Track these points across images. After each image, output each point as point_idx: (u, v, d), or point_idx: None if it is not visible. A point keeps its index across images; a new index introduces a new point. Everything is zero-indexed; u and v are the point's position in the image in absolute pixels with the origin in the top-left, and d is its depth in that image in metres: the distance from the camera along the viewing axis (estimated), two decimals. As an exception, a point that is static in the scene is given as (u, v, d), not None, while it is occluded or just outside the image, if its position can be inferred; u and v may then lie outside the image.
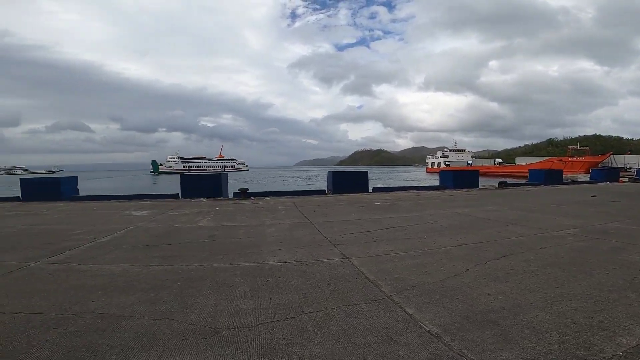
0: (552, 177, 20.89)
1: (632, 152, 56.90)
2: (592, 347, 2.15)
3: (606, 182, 22.72)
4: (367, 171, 15.71)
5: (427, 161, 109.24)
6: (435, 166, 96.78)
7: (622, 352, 2.08)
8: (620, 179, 24.58)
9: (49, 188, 12.62)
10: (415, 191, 15.43)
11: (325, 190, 14.69)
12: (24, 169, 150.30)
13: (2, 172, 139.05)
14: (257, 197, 12.58)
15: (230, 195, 13.23)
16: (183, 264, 4.17)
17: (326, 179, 15.30)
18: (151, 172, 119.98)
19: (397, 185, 20.13)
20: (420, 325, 2.48)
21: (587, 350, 2.12)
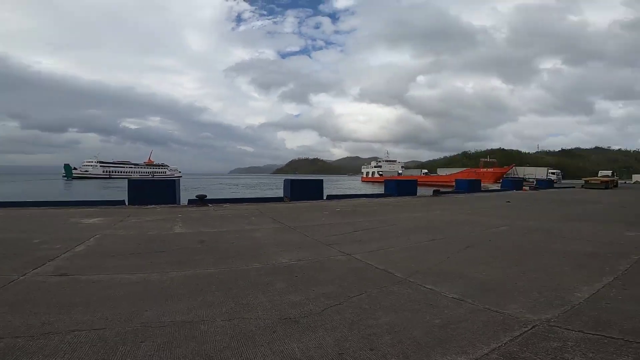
0: (473, 186, 24.43)
1: (530, 164, 68.34)
2: (564, 298, 3.18)
3: (514, 190, 27.37)
4: (322, 179, 16.61)
5: (362, 171, 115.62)
6: (370, 175, 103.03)
7: (582, 300, 3.15)
8: (523, 187, 29.80)
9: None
10: (365, 198, 16.75)
11: (282, 197, 15.09)
12: None
13: None
14: (215, 205, 12.42)
15: (184, 202, 12.81)
16: (198, 268, 4.30)
17: (271, 186, 15.78)
18: (63, 176, 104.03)
19: (348, 193, 21.42)
20: (443, 295, 3.28)
21: (562, 300, 3.14)
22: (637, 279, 3.84)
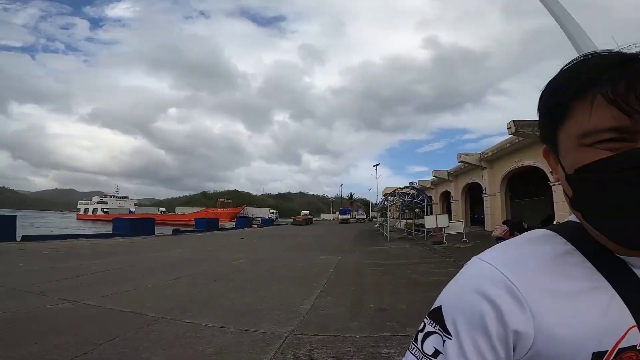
0: (212, 225, 25.77)
1: (257, 205, 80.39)
2: (296, 312, 4.04)
3: (245, 227, 31.29)
4: (15, 215, 11.95)
5: (79, 207, 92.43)
6: (90, 213, 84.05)
7: (307, 311, 4.16)
8: (252, 225, 34.75)
9: None
10: (86, 239, 13.61)
11: None
12: None
13: None
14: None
15: None
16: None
17: None
18: None
19: (60, 233, 16.27)
20: (206, 325, 3.39)
21: (295, 313, 4.01)
22: (332, 289, 5.54)
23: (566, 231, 0.47)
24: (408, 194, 20.91)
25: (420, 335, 0.45)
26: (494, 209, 17.02)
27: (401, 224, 24.61)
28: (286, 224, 43.57)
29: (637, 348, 0.40)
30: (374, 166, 50.90)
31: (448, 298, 0.45)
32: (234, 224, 37.31)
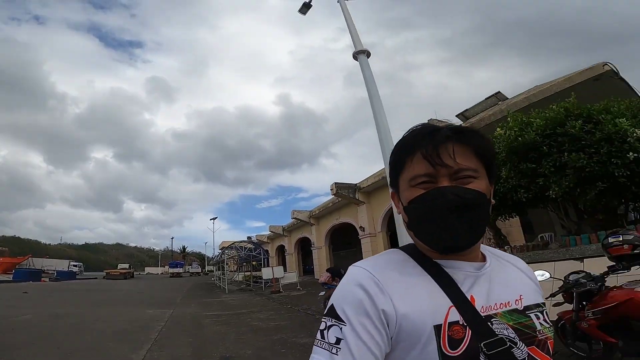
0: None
1: (50, 256, 61.79)
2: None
3: (30, 281, 23.64)
4: None
5: None
6: None
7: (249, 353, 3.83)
8: (42, 279, 26.56)
9: None
10: None
11: None
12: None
13: None
14: None
15: None
16: None
17: None
18: None
19: None
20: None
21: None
22: (167, 342, 5.23)
23: (405, 249, 0.68)
24: (246, 248, 21.38)
25: (323, 332, 0.57)
26: (321, 259, 19.56)
27: (239, 276, 24.48)
28: (96, 278, 35.44)
29: (460, 323, 0.56)
30: (211, 219, 48.59)
31: (336, 296, 0.60)
32: (11, 276, 27.49)
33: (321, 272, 15.57)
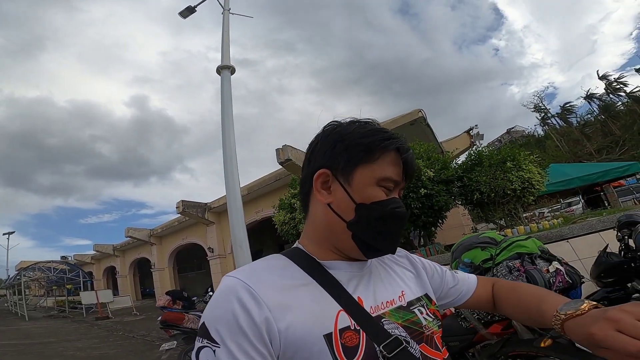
0: None
1: None
2: None
3: None
4: None
5: None
6: None
7: None
8: None
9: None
10: None
11: None
12: None
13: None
14: None
15: None
16: None
17: None
18: None
19: None
20: None
21: None
22: None
23: (288, 253, 0.63)
24: (56, 269, 17.50)
25: (196, 354, 0.49)
26: (163, 281, 17.74)
27: (48, 302, 19.59)
28: None
29: (352, 328, 0.52)
30: (4, 234, 37.21)
31: (208, 313, 0.51)
32: None
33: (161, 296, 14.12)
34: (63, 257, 26.66)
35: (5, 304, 22.69)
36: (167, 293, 9.67)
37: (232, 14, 6.15)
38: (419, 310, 0.63)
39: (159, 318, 6.52)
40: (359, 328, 0.53)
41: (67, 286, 18.79)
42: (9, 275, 32.10)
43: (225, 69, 5.04)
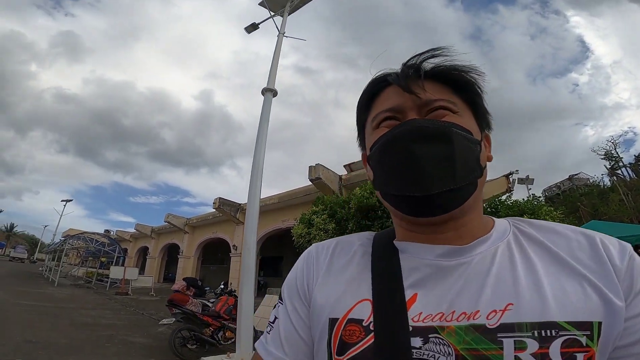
0: None
1: None
2: None
3: None
4: None
5: None
6: None
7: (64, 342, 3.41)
8: None
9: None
10: None
11: None
12: None
13: None
14: None
15: None
16: None
17: None
18: None
19: None
20: None
21: None
22: None
23: (381, 232, 0.57)
24: (97, 241, 19.12)
25: (273, 310, 0.56)
26: (186, 269, 18.92)
27: (79, 271, 21.41)
28: None
29: (363, 324, 0.43)
30: (63, 201, 41.18)
31: (286, 279, 0.58)
32: None
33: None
34: (106, 231, 29.03)
35: (40, 268, 24.44)
36: (184, 279, 10.43)
37: (286, 37, 6.44)
38: (516, 342, 0.38)
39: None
40: (371, 328, 0.43)
41: (102, 259, 20.42)
42: (53, 241, 35.41)
43: (269, 92, 5.29)
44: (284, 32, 6.43)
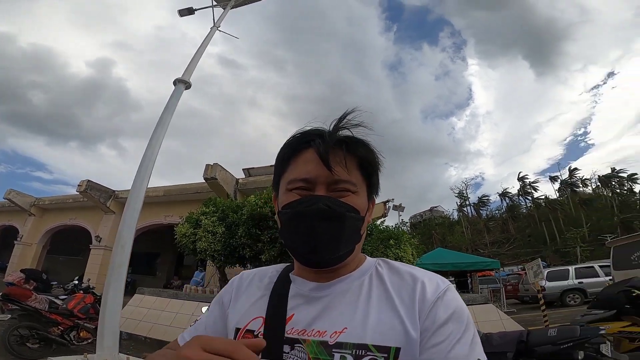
0: None
1: None
2: None
3: None
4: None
5: None
6: None
7: None
8: None
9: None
10: None
11: None
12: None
13: None
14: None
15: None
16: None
17: None
18: None
19: None
20: None
21: None
22: None
23: (288, 265, 0.71)
24: None
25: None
26: (24, 258, 15.54)
27: None
28: None
29: (255, 333, 0.61)
30: None
31: (220, 292, 0.75)
32: None
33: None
34: None
35: None
36: (23, 271, 8.64)
37: (220, 31, 6.18)
38: (342, 357, 0.53)
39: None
40: (259, 336, 0.59)
41: None
42: None
43: (181, 83, 4.92)
44: (219, 27, 6.15)
